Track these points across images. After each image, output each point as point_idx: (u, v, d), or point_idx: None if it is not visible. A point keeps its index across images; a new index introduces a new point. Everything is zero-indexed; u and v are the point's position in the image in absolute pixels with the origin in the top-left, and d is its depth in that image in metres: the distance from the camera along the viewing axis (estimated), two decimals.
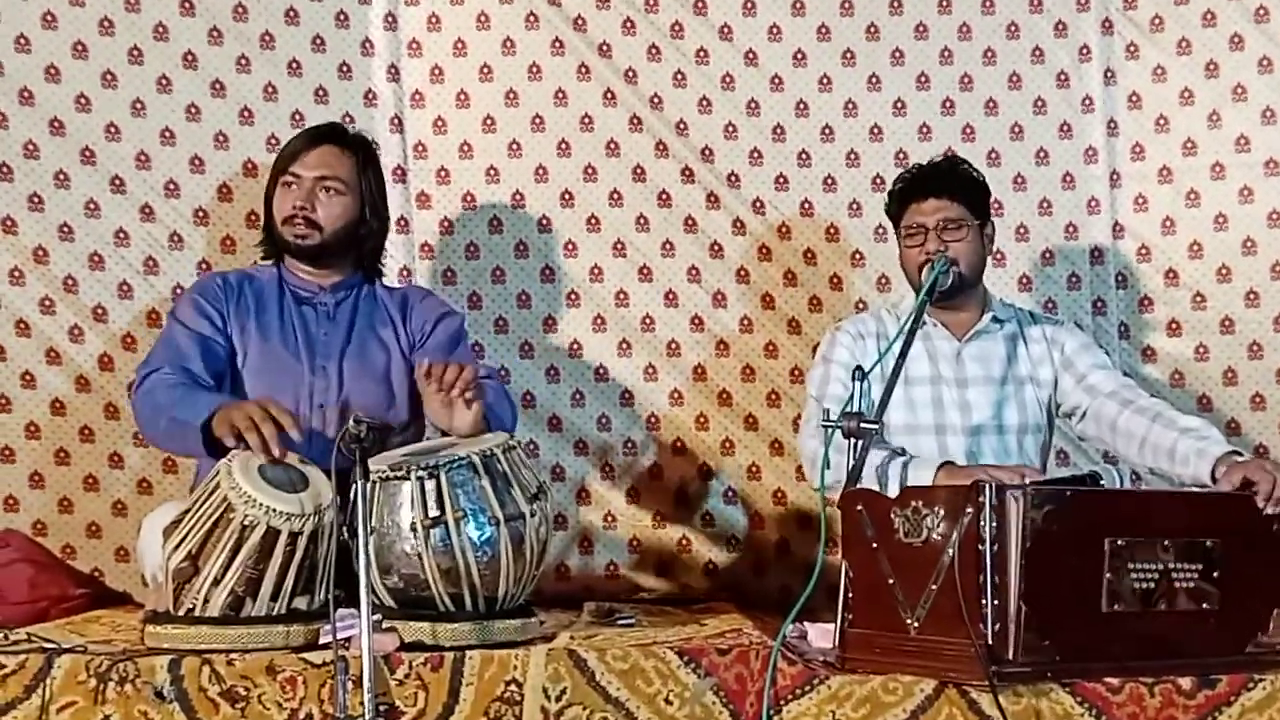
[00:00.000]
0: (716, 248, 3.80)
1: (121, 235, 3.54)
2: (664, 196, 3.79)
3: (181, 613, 2.50)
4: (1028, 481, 2.59)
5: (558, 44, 3.79)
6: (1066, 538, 2.34)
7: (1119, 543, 2.39)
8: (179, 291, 3.46)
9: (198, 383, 2.91)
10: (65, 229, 3.50)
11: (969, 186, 3.16)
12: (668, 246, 3.79)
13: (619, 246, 3.79)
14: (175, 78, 3.60)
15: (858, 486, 2.62)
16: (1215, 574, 2.46)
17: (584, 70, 3.79)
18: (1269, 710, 2.37)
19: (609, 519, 3.74)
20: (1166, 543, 2.43)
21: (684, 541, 3.72)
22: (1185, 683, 2.38)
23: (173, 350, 2.98)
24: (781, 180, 3.81)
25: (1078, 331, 3.29)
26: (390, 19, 3.78)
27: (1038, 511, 2.31)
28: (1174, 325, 3.80)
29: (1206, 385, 3.77)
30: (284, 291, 3.12)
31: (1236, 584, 2.48)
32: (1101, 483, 2.62)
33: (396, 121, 3.77)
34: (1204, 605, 2.46)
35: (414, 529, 2.49)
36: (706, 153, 3.80)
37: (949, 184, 3.14)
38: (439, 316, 3.16)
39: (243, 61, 3.66)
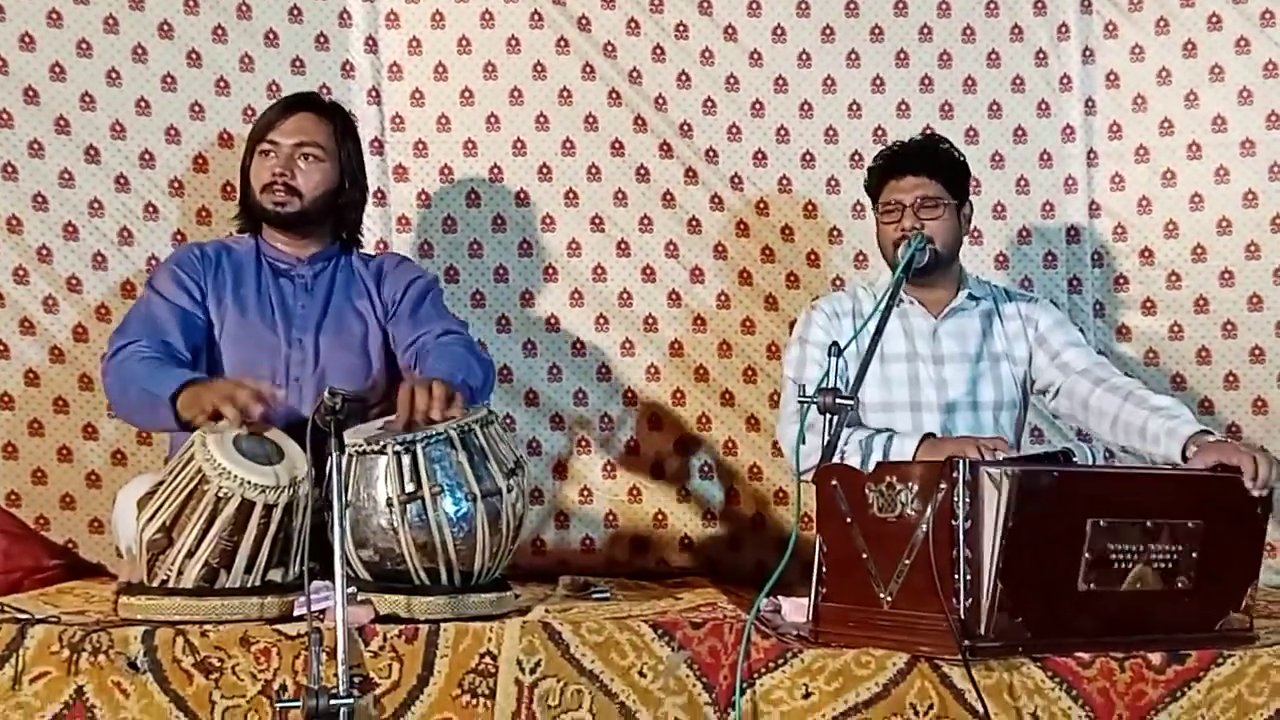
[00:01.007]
0: (695, 223, 3.80)
1: (96, 205, 3.52)
2: (642, 171, 3.79)
3: (155, 584, 2.50)
4: (1000, 457, 2.60)
5: (536, 17, 3.77)
6: (1050, 518, 2.34)
7: (1101, 523, 2.39)
8: (154, 262, 3.45)
9: (174, 357, 2.89)
10: (39, 199, 3.48)
11: (948, 166, 3.16)
12: (646, 222, 3.79)
13: (597, 221, 3.78)
14: (151, 47, 3.58)
15: (839, 461, 2.62)
16: (1194, 554, 2.47)
17: (563, 44, 3.78)
18: (1237, 685, 2.39)
19: (585, 494, 3.74)
20: (1149, 523, 2.43)
21: (660, 516, 3.73)
22: (1155, 658, 2.39)
23: (151, 322, 2.95)
24: (760, 156, 3.81)
25: (1052, 309, 3.30)
26: None
27: (1023, 492, 2.30)
28: (1149, 304, 3.82)
29: (1180, 364, 3.78)
30: (261, 263, 3.10)
31: (1214, 563, 2.50)
32: (1074, 459, 2.63)
33: (374, 93, 3.76)
34: (1179, 584, 2.48)
35: (390, 504, 2.49)
36: (685, 128, 3.79)
37: (928, 162, 3.14)
38: (409, 282, 3.13)
39: (219, 31, 3.63)
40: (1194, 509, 2.49)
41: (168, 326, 2.94)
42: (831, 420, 2.63)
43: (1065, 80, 3.85)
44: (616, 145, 3.78)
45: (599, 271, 3.78)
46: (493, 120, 3.78)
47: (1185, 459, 2.74)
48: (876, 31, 3.84)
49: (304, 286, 3.10)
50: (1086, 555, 2.39)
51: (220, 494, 2.47)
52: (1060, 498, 2.37)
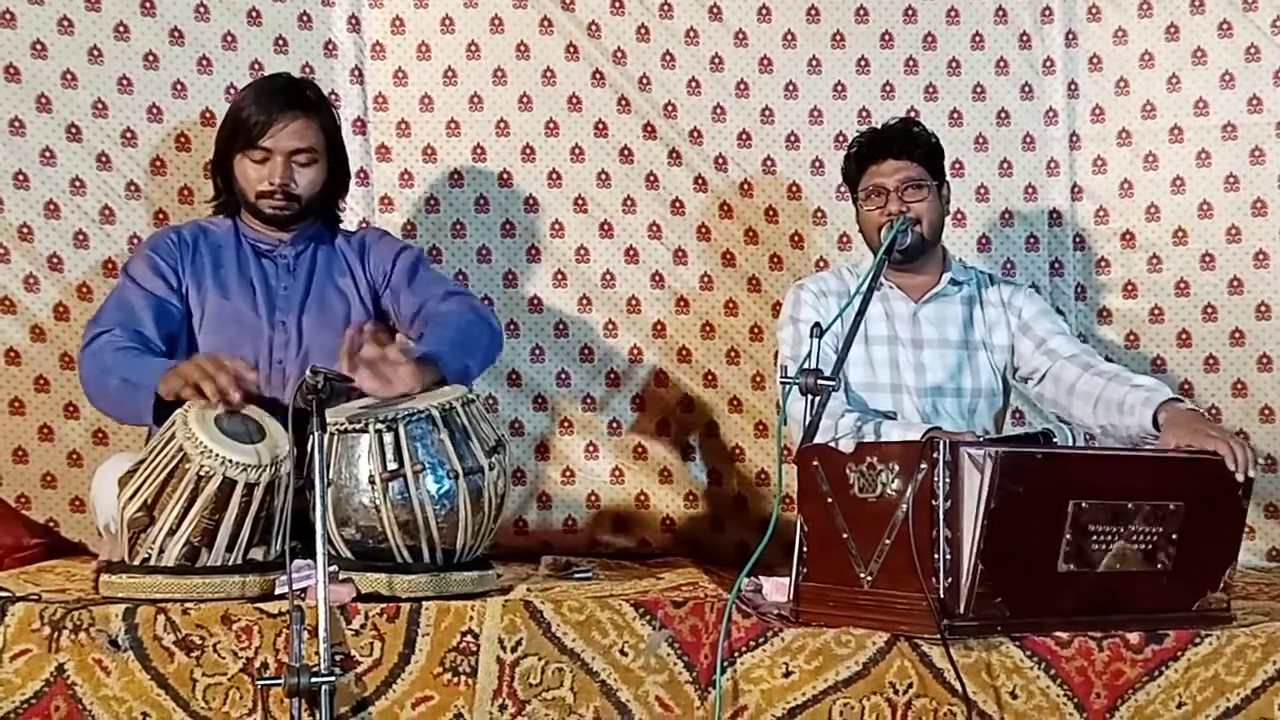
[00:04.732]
0: (678, 204, 3.80)
1: (78, 184, 3.51)
2: (626, 152, 3.79)
3: (137, 562, 2.49)
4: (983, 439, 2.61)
5: None
6: (1032, 499, 2.35)
7: (1082, 505, 2.40)
8: (136, 241, 3.44)
9: (149, 348, 2.86)
10: (20, 177, 3.46)
11: (927, 148, 3.18)
12: (629, 203, 3.79)
13: (580, 202, 3.78)
14: (133, 25, 3.56)
15: (830, 442, 2.63)
16: (1174, 535, 2.48)
17: (546, 24, 3.77)
18: (1214, 665, 2.41)
19: (568, 474, 3.75)
20: (1130, 505, 2.44)
21: (642, 497, 3.74)
22: (1133, 637, 2.41)
23: (125, 311, 2.92)
24: (744, 137, 3.81)
25: (1035, 296, 3.31)
26: None
27: (1006, 472, 2.31)
28: (1130, 287, 3.83)
29: (1161, 346, 3.80)
30: (241, 244, 3.08)
31: (1193, 544, 2.50)
32: (1055, 440, 2.64)
33: (357, 73, 3.75)
34: (1159, 565, 2.49)
35: (372, 482, 2.49)
36: (670, 108, 3.79)
37: (907, 145, 3.16)
38: (396, 254, 3.12)
39: (201, 10, 3.62)
40: (1175, 491, 2.50)
41: (142, 315, 2.91)
42: (813, 401, 2.64)
43: (1048, 63, 3.86)
44: (600, 126, 3.78)
45: (582, 252, 3.78)
46: (475, 100, 3.77)
47: (1157, 425, 2.76)
48: (861, 12, 3.84)
49: (286, 267, 3.08)
50: (1067, 536, 2.40)
51: (202, 472, 2.46)
52: (1043, 478, 2.37)
